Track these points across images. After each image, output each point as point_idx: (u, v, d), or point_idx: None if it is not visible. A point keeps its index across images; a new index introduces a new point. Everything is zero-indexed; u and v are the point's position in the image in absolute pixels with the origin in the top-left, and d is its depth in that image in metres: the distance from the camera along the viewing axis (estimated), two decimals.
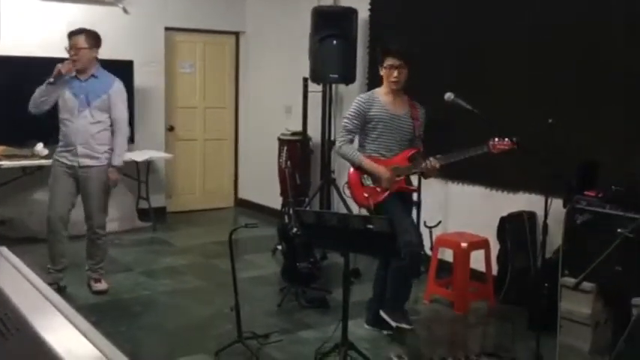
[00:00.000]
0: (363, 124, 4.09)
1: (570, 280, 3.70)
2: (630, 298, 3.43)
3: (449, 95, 3.95)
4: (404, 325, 4.00)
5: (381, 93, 4.15)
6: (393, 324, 4.01)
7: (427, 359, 3.84)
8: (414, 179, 4.52)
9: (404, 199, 4.14)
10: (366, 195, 4.05)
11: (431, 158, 3.99)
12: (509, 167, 4.64)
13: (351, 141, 4.13)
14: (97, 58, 4.67)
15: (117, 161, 4.67)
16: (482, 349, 4.04)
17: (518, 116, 4.70)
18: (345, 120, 4.13)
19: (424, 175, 4.23)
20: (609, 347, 3.70)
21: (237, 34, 7.91)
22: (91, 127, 4.58)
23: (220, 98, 7.94)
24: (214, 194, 7.98)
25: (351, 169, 4.15)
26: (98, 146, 4.62)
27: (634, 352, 2.85)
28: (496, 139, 3.87)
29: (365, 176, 4.09)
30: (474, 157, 3.94)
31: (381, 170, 4.02)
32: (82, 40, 4.56)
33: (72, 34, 4.60)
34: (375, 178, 4.05)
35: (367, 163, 4.04)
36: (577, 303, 3.90)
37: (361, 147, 4.16)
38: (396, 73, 4.03)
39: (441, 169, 4.03)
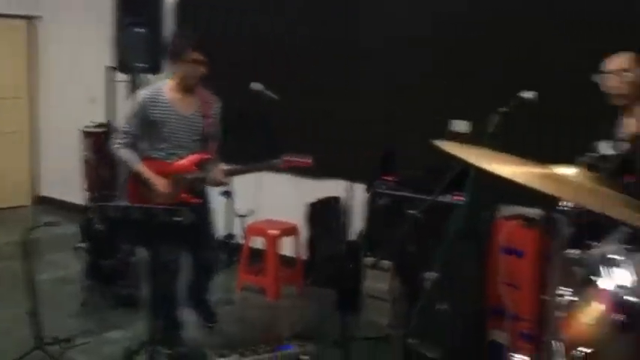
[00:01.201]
0: (145, 124, 3.67)
1: (372, 260, 3.95)
2: (422, 274, 3.73)
3: (257, 85, 3.95)
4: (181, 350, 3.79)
5: (169, 88, 3.70)
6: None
7: (241, 347, 3.87)
8: None
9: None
10: None
11: (216, 170, 3.72)
12: (316, 155, 4.79)
13: (131, 144, 3.68)
14: None
15: None
16: (292, 332, 4.16)
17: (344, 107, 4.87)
18: (124, 121, 3.74)
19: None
20: (405, 320, 4.00)
21: (30, 19, 7.31)
22: None
23: (15, 88, 7.32)
24: (9, 192, 7.34)
25: (129, 177, 3.79)
26: None
27: (425, 323, 3.10)
28: (292, 157, 3.78)
29: (142, 188, 3.70)
30: (280, 149, 3.87)
31: (158, 182, 3.65)
32: None
33: None
34: (153, 190, 3.68)
35: (144, 171, 3.66)
36: (377, 281, 4.17)
37: (142, 150, 3.73)
38: (202, 69, 3.64)
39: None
